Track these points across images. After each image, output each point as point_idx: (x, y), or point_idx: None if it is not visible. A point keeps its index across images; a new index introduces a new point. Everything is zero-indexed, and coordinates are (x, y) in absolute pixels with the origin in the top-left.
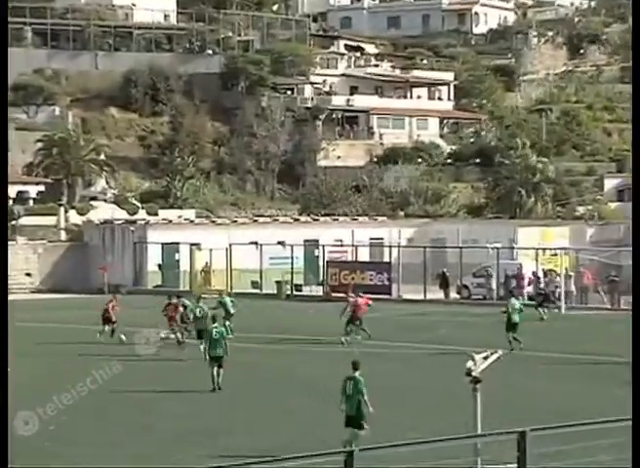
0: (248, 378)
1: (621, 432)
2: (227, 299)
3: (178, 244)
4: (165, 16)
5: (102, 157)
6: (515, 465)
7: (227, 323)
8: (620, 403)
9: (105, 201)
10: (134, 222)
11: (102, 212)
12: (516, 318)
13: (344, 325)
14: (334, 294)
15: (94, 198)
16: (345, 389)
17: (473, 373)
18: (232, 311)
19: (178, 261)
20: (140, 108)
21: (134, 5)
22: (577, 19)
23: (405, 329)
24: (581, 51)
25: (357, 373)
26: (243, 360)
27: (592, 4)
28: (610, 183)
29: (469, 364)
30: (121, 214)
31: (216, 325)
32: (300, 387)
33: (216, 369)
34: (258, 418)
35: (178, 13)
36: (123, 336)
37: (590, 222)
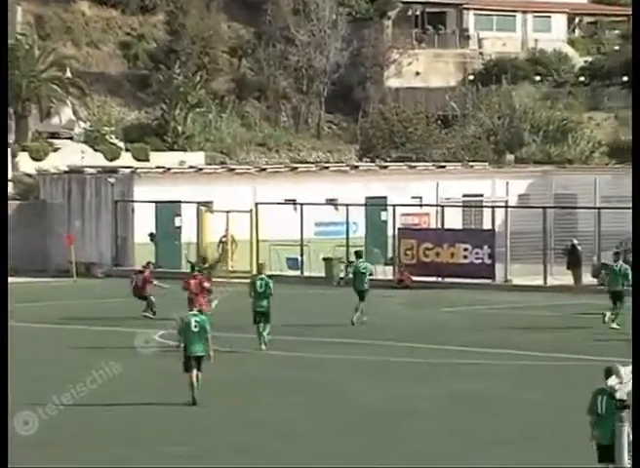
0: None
1: None
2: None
3: (179, 203)
4: None
5: (68, 74)
6: None
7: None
8: None
9: (72, 139)
10: (114, 172)
11: (68, 155)
12: None
13: None
14: (410, 278)
15: (55, 135)
16: (598, 406)
17: (618, 395)
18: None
19: (178, 229)
20: (122, 1)
21: None
22: None
23: (519, 330)
24: None
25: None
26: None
27: None
28: None
29: (612, 381)
30: (95, 160)
31: (195, 312)
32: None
33: (195, 372)
34: None
35: None
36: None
37: None
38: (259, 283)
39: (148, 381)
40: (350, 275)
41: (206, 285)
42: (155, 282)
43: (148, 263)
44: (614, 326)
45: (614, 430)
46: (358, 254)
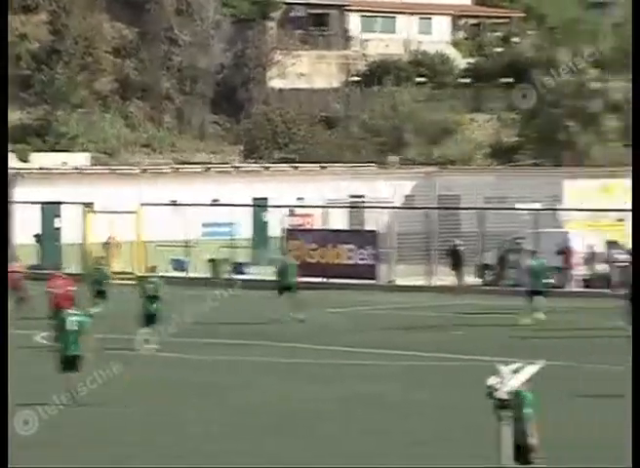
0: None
1: None
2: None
3: (59, 204)
4: None
5: None
6: None
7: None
8: None
9: None
10: None
11: None
12: None
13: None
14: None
15: None
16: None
17: (497, 394)
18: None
19: (58, 230)
20: None
21: None
22: None
23: (399, 330)
24: None
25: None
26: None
27: None
28: None
29: (492, 380)
30: None
31: (74, 311)
32: None
33: (72, 373)
34: None
35: None
36: None
37: None
38: (148, 286)
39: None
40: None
41: (70, 288)
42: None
43: (16, 263)
44: (526, 321)
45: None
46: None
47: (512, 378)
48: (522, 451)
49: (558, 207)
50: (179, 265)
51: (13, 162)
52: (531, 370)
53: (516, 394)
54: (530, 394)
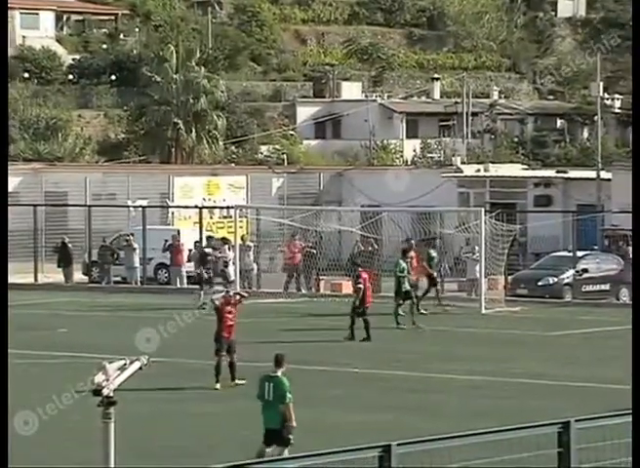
0: None
1: None
2: None
3: None
4: None
5: None
6: None
7: None
8: None
9: None
10: None
11: None
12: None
13: None
14: None
15: None
16: (265, 392)
17: (104, 392)
18: None
19: None
20: None
21: None
22: None
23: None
24: None
25: (280, 372)
26: None
27: None
28: (304, 112)
29: (98, 378)
30: None
31: None
32: None
33: None
34: None
35: None
36: None
37: (277, 169)
38: None
39: None
40: None
41: None
42: None
43: None
44: (423, 311)
45: (282, 414)
46: None
47: (119, 375)
48: (282, 435)
49: (167, 203)
50: None
51: None
52: (135, 366)
53: (276, 381)
54: (287, 380)
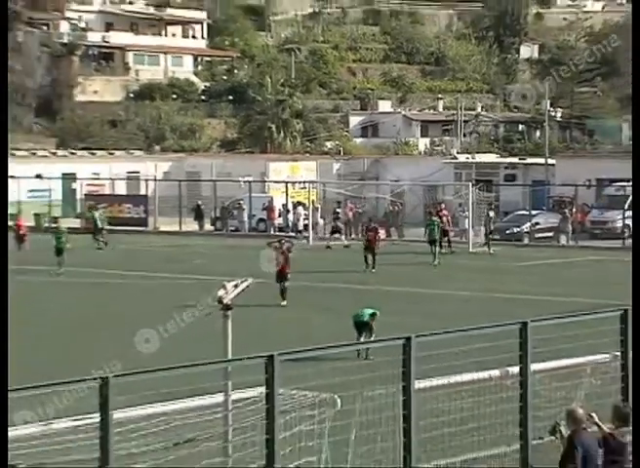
0: None
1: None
2: None
3: None
4: None
5: None
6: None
7: None
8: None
9: None
10: None
11: None
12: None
13: None
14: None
15: None
16: None
17: (224, 301)
18: None
19: None
20: None
21: None
22: None
23: (162, 259)
24: None
25: None
26: None
27: None
28: (354, 120)
29: (221, 292)
30: None
31: None
32: None
33: None
34: None
35: None
36: None
37: (337, 157)
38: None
39: None
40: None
41: None
42: None
43: None
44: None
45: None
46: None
47: (234, 290)
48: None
49: (265, 179)
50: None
51: None
52: (244, 284)
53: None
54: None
